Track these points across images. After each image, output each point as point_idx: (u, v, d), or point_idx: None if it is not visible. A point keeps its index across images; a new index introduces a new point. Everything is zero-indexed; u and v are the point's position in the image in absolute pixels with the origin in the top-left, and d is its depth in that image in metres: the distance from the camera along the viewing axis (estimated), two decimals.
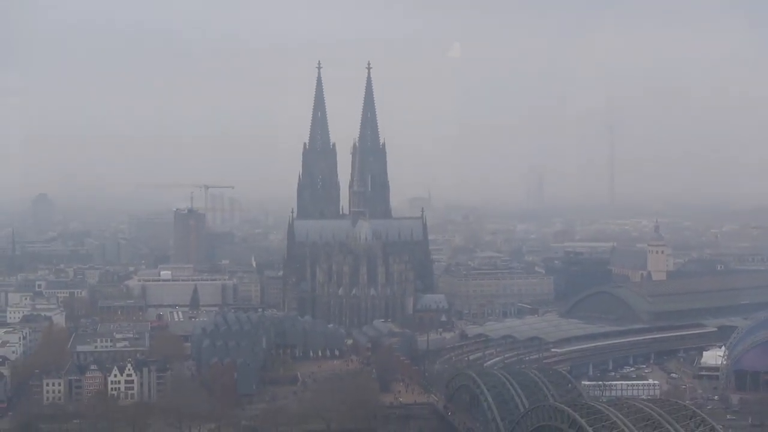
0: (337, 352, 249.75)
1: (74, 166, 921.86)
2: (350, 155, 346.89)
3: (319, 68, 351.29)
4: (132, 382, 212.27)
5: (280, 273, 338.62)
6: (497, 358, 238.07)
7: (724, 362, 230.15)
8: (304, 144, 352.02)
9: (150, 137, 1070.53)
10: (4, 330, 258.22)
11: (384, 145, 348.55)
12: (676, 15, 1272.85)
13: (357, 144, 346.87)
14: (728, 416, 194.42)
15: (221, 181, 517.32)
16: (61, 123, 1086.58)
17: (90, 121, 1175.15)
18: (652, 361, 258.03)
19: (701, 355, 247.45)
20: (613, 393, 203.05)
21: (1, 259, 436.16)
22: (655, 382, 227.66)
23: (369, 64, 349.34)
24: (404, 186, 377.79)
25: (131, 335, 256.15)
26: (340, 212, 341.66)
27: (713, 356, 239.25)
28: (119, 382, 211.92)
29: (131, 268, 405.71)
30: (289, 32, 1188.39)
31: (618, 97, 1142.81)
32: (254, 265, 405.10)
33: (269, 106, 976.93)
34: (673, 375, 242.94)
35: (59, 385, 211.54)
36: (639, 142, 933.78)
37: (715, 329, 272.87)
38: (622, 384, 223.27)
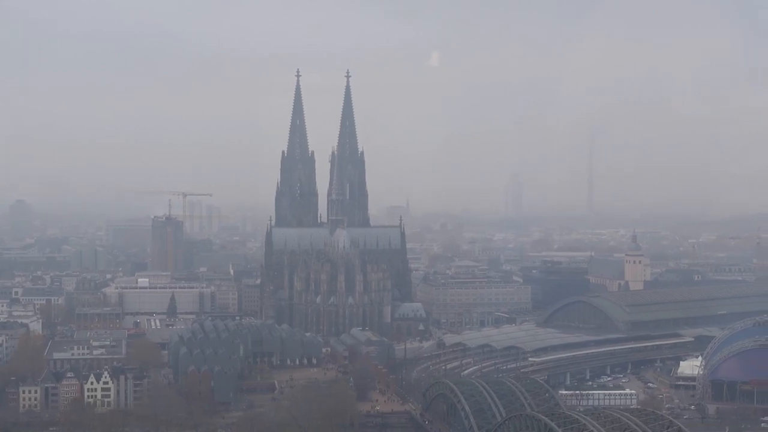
0: (314, 361, 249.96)
1: (53, 172, 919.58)
2: (329, 163, 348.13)
3: (298, 76, 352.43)
4: (109, 389, 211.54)
5: (258, 281, 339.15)
6: (475, 367, 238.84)
7: (701, 372, 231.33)
8: (283, 152, 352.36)
9: (129, 144, 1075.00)
10: None
11: (362, 153, 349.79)
12: (658, 28, 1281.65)
13: (335, 152, 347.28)
14: (705, 426, 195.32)
15: (199, 189, 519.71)
16: (40, 128, 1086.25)
17: (69, 128, 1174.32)
18: (629, 371, 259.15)
19: (678, 365, 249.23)
20: (591, 402, 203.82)
21: None
22: (632, 391, 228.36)
23: (348, 72, 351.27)
24: (382, 194, 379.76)
25: (108, 343, 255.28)
26: (318, 220, 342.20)
27: (690, 366, 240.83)
28: (96, 389, 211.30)
29: (108, 276, 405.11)
30: (269, 40, 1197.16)
31: (599, 108, 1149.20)
32: (232, 272, 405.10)
33: (249, 113, 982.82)
34: (651, 384, 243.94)
35: (35, 392, 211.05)
36: (619, 153, 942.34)
37: (692, 339, 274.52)
38: (599, 393, 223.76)
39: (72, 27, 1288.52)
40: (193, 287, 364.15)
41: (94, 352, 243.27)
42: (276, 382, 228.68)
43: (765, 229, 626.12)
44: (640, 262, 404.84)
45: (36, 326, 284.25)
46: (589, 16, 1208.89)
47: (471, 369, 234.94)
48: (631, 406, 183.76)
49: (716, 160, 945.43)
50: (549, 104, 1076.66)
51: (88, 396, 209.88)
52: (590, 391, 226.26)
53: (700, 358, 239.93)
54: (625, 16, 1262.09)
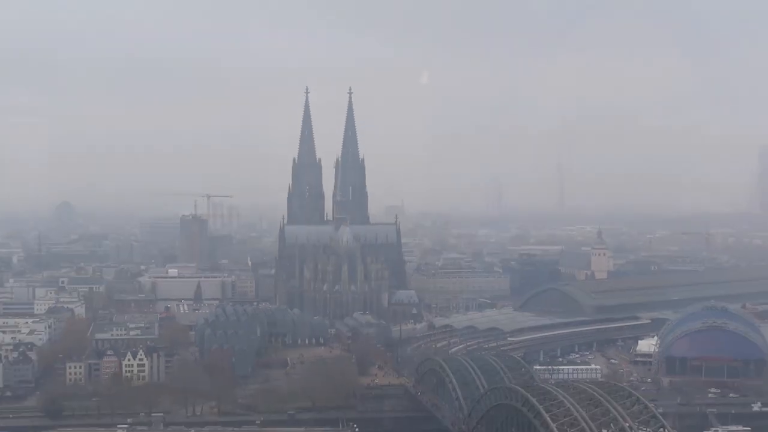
0: (321, 340, 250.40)
1: (93, 177, 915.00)
2: (333, 169, 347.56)
3: (306, 93, 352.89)
4: (143, 365, 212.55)
5: (273, 271, 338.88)
6: (460, 346, 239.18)
7: (657, 350, 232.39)
8: (294, 159, 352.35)
9: (159, 152, 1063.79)
10: (32, 320, 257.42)
11: (363, 159, 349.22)
12: (624, 48, 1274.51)
13: (339, 159, 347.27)
14: (659, 396, 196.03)
15: (221, 191, 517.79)
16: (82, 139, 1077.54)
17: (105, 138, 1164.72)
18: (594, 349, 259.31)
19: (637, 344, 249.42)
20: (561, 376, 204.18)
21: (29, 259, 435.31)
22: (597, 366, 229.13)
23: (350, 89, 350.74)
24: (381, 195, 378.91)
25: (143, 325, 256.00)
26: (325, 218, 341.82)
27: (647, 345, 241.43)
28: (132, 365, 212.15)
29: (143, 267, 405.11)
30: (280, 58, 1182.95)
31: (571, 120, 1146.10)
32: (250, 264, 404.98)
33: (264, 125, 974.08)
34: (613, 361, 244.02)
35: (80, 368, 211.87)
36: (586, 159, 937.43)
37: (649, 321, 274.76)
38: (568, 368, 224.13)
39: (102, 49, 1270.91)
40: (216, 277, 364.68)
41: (131, 333, 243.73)
42: (288, 358, 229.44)
43: (713, 226, 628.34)
44: (604, 254, 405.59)
45: (80, 311, 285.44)
46: (563, 38, 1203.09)
47: (457, 347, 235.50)
48: (596, 379, 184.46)
49: (671, 167, 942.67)
50: (526, 116, 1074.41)
51: (126, 371, 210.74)
52: (560, 367, 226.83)
53: (655, 337, 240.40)
54: (595, 38, 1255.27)
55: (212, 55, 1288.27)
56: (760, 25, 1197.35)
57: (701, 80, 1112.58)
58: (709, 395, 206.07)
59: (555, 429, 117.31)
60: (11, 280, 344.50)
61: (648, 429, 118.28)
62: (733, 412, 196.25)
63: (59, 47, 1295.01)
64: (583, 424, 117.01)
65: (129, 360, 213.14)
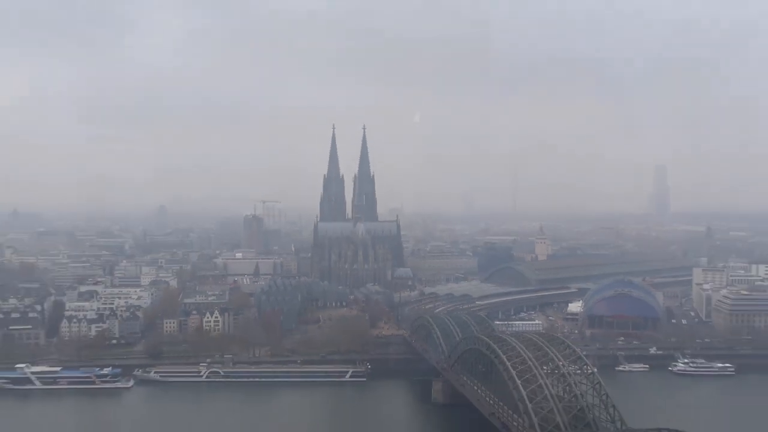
0: (344, 304, 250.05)
1: (183, 188, 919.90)
2: (352, 182, 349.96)
3: (333, 128, 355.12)
4: (218, 321, 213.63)
5: (309, 255, 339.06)
6: (442, 307, 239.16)
7: (581, 310, 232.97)
8: (324, 175, 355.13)
9: (228, 170, 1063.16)
10: (139, 289, 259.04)
11: (373, 175, 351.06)
12: (556, 94, 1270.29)
13: (356, 175, 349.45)
14: (583, 343, 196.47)
15: (272, 198, 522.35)
16: (174, 160, 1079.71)
17: (191, 159, 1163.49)
18: (537, 310, 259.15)
19: (567, 306, 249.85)
20: (514, 329, 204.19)
21: (137, 246, 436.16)
22: (539, 322, 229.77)
23: (364, 126, 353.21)
24: (386, 201, 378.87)
25: (217, 293, 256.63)
26: (346, 217, 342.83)
27: (575, 306, 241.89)
28: (210, 321, 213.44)
29: (217, 252, 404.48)
30: (313, 100, 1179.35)
31: (522, 146, 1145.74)
32: (293, 250, 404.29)
33: (302, 150, 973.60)
34: (550, 318, 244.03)
35: (173, 323, 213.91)
36: (533, 175, 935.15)
37: (576, 290, 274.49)
38: (518, 323, 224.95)
39: (186, 95, 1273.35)
40: (269, 259, 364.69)
41: (209, 298, 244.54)
42: (320, 316, 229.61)
43: (622, 223, 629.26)
44: (544, 242, 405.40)
45: (173, 283, 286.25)
46: (517, 86, 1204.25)
47: (440, 308, 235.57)
48: (538, 331, 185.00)
49: (592, 180, 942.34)
50: (490, 142, 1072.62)
51: (206, 325, 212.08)
52: (513, 322, 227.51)
53: (581, 301, 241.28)
54: (538, 88, 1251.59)
55: (266, 97, 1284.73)
56: (656, 75, 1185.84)
57: (612, 118, 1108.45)
58: (619, 342, 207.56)
59: (509, 366, 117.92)
60: (124, 262, 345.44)
61: (575, 366, 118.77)
62: (635, 354, 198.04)
63: (160, 95, 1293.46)
64: (530, 362, 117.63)
65: (208, 318, 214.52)
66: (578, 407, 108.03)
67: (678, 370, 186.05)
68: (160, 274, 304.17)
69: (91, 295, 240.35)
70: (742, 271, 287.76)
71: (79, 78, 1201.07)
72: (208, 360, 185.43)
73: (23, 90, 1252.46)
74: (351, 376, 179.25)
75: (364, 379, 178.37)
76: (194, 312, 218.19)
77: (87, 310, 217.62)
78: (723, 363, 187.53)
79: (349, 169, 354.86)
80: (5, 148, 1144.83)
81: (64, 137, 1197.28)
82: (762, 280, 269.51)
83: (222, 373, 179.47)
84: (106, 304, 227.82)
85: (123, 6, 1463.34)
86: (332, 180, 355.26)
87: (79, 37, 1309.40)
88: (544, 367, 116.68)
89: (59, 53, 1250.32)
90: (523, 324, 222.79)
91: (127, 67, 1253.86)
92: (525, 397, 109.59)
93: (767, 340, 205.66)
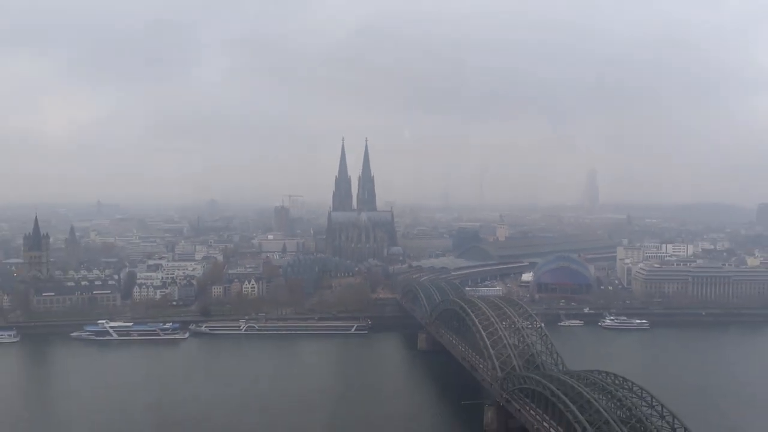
0: (351, 274, 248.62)
1: (228, 183, 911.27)
2: (357, 181, 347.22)
3: (343, 141, 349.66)
4: (254, 288, 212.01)
5: (324, 236, 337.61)
6: (426, 277, 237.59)
7: (532, 279, 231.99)
8: (335, 176, 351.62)
9: (263, 170, 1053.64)
10: (194, 263, 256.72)
11: (373, 176, 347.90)
12: (513, 115, 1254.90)
13: (360, 175, 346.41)
14: (534, 304, 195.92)
15: (297, 193, 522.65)
16: (217, 161, 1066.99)
17: (230, 161, 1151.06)
18: (498, 279, 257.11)
19: (521, 276, 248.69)
20: (480, 293, 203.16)
21: (192, 230, 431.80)
22: (499, 288, 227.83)
23: (366, 139, 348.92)
24: (383, 195, 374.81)
25: (253, 266, 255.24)
26: (352, 208, 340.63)
27: (527, 276, 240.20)
28: (248, 287, 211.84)
29: (254, 234, 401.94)
30: (329, 117, 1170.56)
31: (487, 154, 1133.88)
32: (312, 233, 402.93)
33: (319, 156, 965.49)
34: (508, 285, 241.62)
35: (220, 289, 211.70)
36: (496, 174, 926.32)
37: (528, 264, 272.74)
38: (484, 289, 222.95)
39: (228, 114, 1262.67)
40: (293, 239, 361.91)
41: (247, 270, 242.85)
42: (332, 284, 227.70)
43: (563, 212, 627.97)
44: (504, 227, 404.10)
45: (220, 258, 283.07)
46: (486, 106, 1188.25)
47: (424, 278, 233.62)
48: (499, 295, 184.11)
49: (541, 179, 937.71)
50: (464, 151, 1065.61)
51: (244, 291, 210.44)
52: (480, 288, 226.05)
53: (531, 272, 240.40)
54: (499, 108, 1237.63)
55: (292, 116, 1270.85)
56: (592, 98, 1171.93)
57: (557, 131, 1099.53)
58: (560, 303, 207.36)
59: (477, 322, 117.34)
60: (182, 242, 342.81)
61: (527, 322, 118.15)
62: (573, 312, 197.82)
63: (210, 115, 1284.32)
64: (492, 319, 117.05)
65: (246, 284, 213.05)
66: (530, 353, 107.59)
67: (605, 325, 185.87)
68: (210, 252, 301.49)
69: (156, 268, 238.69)
70: (655, 249, 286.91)
71: (149, 100, 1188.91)
72: (246, 317, 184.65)
73: (110, 105, 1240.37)
74: (356, 330, 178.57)
75: (366, 332, 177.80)
76: (236, 280, 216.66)
77: (154, 279, 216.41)
78: (640, 320, 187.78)
79: (354, 171, 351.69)
80: (92, 153, 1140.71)
81: (137, 145, 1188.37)
82: (670, 256, 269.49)
83: (257, 327, 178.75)
84: (168, 274, 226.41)
85: (188, 48, 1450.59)
86: (342, 179, 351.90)
87: (153, 69, 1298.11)
88: (503, 323, 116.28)
89: (138, 79, 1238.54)
90: (487, 290, 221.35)
91: (185, 93, 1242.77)
92: (488, 346, 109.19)
93: (674, 302, 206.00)
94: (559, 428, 79.48)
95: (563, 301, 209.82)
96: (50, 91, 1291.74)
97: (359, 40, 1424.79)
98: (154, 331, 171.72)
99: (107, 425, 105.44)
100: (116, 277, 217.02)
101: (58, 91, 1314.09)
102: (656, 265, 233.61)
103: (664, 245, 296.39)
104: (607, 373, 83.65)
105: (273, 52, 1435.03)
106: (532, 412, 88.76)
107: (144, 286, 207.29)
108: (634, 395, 76.58)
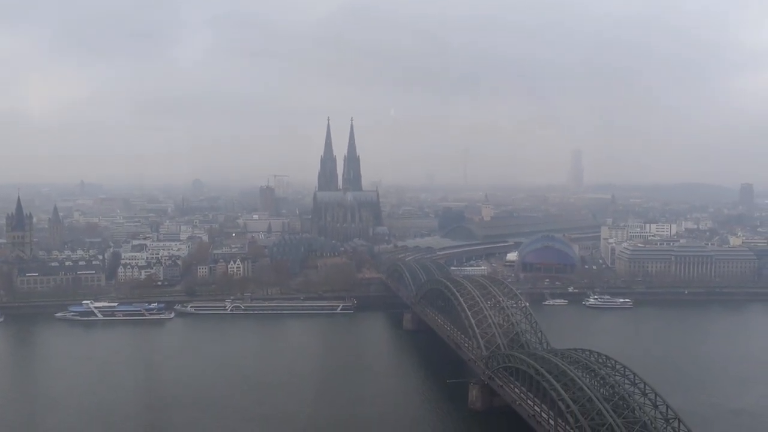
0: (336, 254, 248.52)
1: (213, 163, 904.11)
2: (343, 161, 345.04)
3: (328, 121, 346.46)
4: (240, 268, 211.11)
5: (310, 216, 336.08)
6: (411, 256, 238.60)
7: (516, 258, 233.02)
8: (321, 155, 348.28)
9: (249, 149, 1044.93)
10: (179, 243, 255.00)
11: (359, 156, 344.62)
12: (486, 95, 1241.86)
13: (346, 155, 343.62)
14: (518, 283, 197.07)
15: (282, 172, 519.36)
16: (204, 140, 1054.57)
17: (219, 138, 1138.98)
18: (483, 258, 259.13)
19: (506, 256, 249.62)
20: (465, 273, 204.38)
21: (177, 210, 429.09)
22: (484, 268, 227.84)
23: (352, 118, 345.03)
24: (369, 175, 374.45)
25: (239, 245, 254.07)
26: (338, 188, 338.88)
27: (512, 256, 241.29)
28: (233, 267, 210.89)
29: (239, 214, 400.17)
30: (315, 96, 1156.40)
31: (469, 138, 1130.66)
32: (297, 212, 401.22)
33: (306, 135, 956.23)
34: (493, 264, 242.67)
35: (205, 269, 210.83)
36: (477, 157, 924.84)
37: (513, 243, 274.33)
38: (469, 268, 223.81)
39: (217, 91, 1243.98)
40: (279, 219, 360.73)
41: (232, 250, 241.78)
42: (318, 263, 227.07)
43: (548, 192, 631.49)
44: (488, 207, 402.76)
45: (205, 238, 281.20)
46: (463, 87, 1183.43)
47: (410, 257, 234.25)
48: (484, 275, 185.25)
49: (525, 160, 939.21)
50: (445, 132, 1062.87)
51: (230, 271, 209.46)
52: (465, 267, 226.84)
53: (516, 252, 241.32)
54: (477, 90, 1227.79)
55: (277, 95, 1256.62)
56: (576, 77, 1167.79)
57: (542, 110, 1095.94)
58: (545, 283, 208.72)
59: (462, 301, 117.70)
60: (167, 222, 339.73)
61: (511, 301, 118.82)
62: (557, 291, 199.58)
63: (195, 92, 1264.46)
64: (477, 298, 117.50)
65: (231, 264, 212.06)
66: (514, 332, 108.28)
67: (589, 304, 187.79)
68: (195, 231, 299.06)
69: (141, 248, 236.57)
70: (638, 229, 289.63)
71: (133, 78, 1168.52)
72: (231, 297, 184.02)
73: (93, 84, 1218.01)
74: (341, 309, 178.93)
75: (352, 311, 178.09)
76: (221, 260, 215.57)
77: (138, 259, 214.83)
78: (623, 299, 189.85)
79: (340, 151, 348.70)
80: (75, 132, 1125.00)
81: (120, 124, 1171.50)
82: (653, 236, 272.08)
83: (242, 307, 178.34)
84: (153, 254, 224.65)
85: (171, 25, 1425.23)
86: (327, 159, 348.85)
87: (136, 46, 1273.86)
88: (488, 302, 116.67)
89: (121, 57, 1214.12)
90: (472, 269, 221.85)
91: (168, 72, 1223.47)
92: (474, 325, 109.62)
93: (656, 281, 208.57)
94: (543, 406, 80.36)
95: (548, 280, 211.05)
96: (31, 69, 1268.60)
97: (342, 18, 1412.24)
98: (139, 311, 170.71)
99: (95, 405, 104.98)
100: (100, 257, 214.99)
101: (39, 69, 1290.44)
102: (640, 245, 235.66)
103: (647, 225, 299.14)
104: (591, 352, 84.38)
105: (255, 28, 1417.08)
106: (516, 389, 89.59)
107: (129, 267, 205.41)
108: (617, 373, 77.44)
